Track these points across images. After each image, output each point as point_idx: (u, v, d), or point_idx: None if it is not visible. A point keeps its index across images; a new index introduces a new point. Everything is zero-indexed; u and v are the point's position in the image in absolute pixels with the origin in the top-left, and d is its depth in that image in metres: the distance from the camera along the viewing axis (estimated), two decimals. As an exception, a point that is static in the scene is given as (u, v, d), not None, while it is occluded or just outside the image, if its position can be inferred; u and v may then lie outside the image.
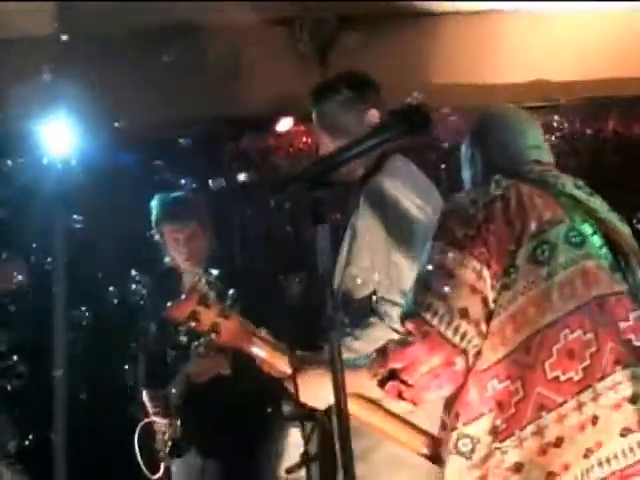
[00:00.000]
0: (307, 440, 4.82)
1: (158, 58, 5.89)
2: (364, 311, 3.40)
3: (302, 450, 3.46)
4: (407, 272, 3.27)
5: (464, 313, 2.58)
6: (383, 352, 2.73)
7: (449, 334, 2.57)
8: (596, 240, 2.75)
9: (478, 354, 2.61)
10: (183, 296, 3.04)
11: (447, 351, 2.58)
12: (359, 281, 3.47)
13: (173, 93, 6.09)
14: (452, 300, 2.59)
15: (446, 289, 2.60)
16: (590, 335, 2.59)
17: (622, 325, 2.65)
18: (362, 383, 2.81)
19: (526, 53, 5.98)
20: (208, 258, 4.90)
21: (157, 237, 4.99)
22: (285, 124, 6.73)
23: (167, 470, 4.86)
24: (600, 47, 5.99)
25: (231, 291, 4.10)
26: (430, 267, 2.67)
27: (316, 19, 6.01)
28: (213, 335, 2.99)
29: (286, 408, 5.17)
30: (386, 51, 6.05)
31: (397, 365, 2.66)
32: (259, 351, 3.05)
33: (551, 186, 2.76)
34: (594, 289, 2.65)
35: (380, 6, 5.97)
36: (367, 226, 3.44)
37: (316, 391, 2.96)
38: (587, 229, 2.74)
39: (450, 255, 2.63)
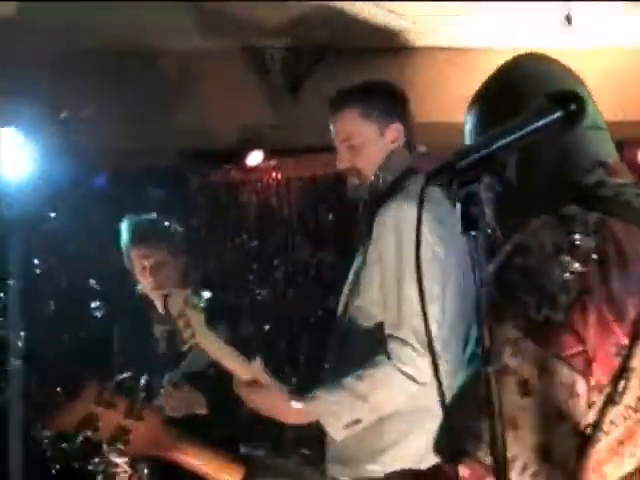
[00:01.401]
0: None
1: (122, 84, 5.64)
2: (369, 348, 3.11)
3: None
4: (419, 308, 2.98)
5: (544, 452, 1.64)
6: None
7: None
8: None
9: None
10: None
11: None
12: (366, 314, 3.17)
13: (137, 122, 5.85)
14: (524, 433, 1.63)
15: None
16: None
17: None
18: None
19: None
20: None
21: (125, 261, 4.58)
22: (255, 158, 6.53)
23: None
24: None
25: (206, 294, 3.70)
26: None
27: (289, 50, 5.77)
28: (118, 444, 2.54)
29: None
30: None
31: None
32: (187, 459, 2.65)
33: None
34: None
35: (358, 38, 5.75)
36: (379, 254, 3.12)
37: None
38: None
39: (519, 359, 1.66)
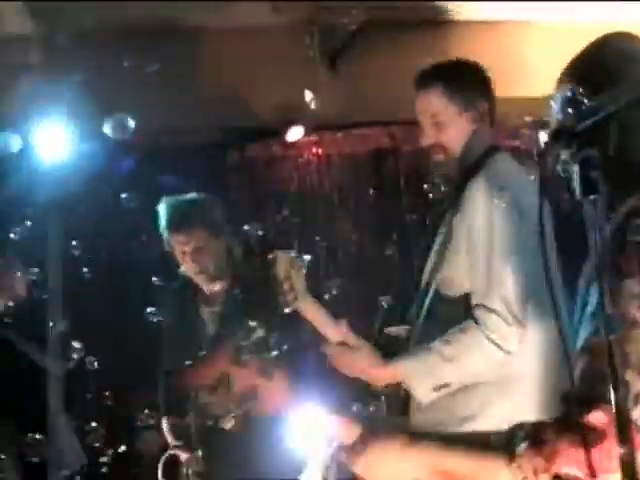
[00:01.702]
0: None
1: (160, 62, 5.60)
2: (455, 318, 3.22)
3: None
4: (508, 279, 3.08)
5: None
6: (541, 442, 1.83)
7: None
8: None
9: None
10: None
11: None
12: (452, 285, 3.28)
13: (176, 99, 5.82)
14: None
15: None
16: None
17: None
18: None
19: (544, 64, 5.69)
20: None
21: (165, 245, 4.53)
22: (295, 134, 6.46)
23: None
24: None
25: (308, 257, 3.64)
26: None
27: (327, 25, 5.69)
28: (249, 402, 2.53)
29: None
30: (399, 59, 5.74)
31: (567, 469, 1.75)
32: None
33: None
34: None
35: (398, 11, 5.66)
36: (468, 227, 3.22)
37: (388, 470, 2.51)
38: None
39: None
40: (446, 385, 3.14)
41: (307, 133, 6.42)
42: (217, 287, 4.48)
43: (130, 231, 5.86)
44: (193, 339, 4.33)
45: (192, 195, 4.59)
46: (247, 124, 6.27)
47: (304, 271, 3.55)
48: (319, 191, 6.71)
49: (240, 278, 4.46)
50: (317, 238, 6.73)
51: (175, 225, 4.42)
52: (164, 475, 4.46)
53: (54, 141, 5.27)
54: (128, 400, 5.76)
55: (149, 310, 4.65)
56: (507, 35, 5.79)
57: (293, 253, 4.05)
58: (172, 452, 4.49)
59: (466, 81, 3.43)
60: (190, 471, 4.37)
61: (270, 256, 4.17)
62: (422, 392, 3.14)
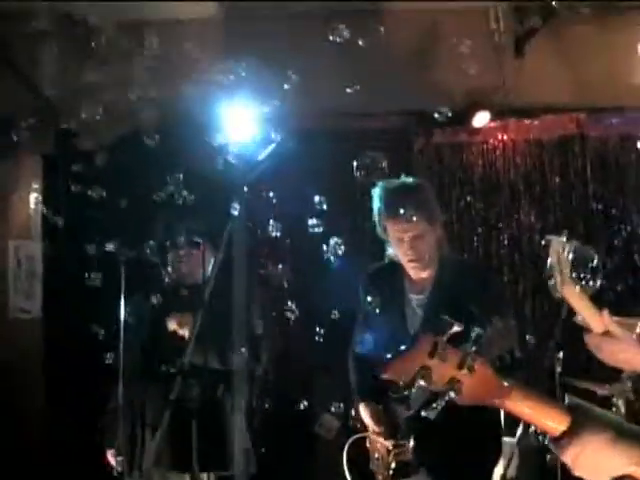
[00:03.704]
0: (507, 465, 4.58)
1: (346, 44, 5.69)
2: None
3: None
4: None
5: None
6: None
7: None
8: None
9: None
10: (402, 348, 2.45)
11: None
12: None
13: (362, 83, 5.88)
14: None
15: None
16: None
17: None
18: None
19: None
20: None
21: (378, 229, 4.31)
22: (481, 119, 6.46)
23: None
24: None
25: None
26: None
27: (514, 9, 5.66)
28: (452, 393, 2.46)
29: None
30: (586, 45, 5.65)
31: None
32: (515, 406, 2.53)
33: None
34: None
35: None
36: None
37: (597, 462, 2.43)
38: None
39: None
40: None
41: (493, 119, 6.41)
42: (425, 274, 4.33)
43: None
44: (398, 325, 4.28)
45: (408, 180, 4.39)
46: (434, 109, 6.29)
47: (572, 257, 3.54)
48: (504, 178, 6.69)
49: (447, 266, 4.32)
50: (500, 225, 6.72)
51: (396, 212, 4.20)
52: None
53: (238, 125, 5.38)
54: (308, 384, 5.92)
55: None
56: None
57: (564, 238, 4.04)
58: (359, 436, 4.44)
59: None
60: (393, 460, 4.29)
61: (543, 240, 4.10)
62: None
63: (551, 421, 2.43)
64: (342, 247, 4.27)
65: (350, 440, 4.48)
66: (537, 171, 6.66)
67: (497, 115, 6.36)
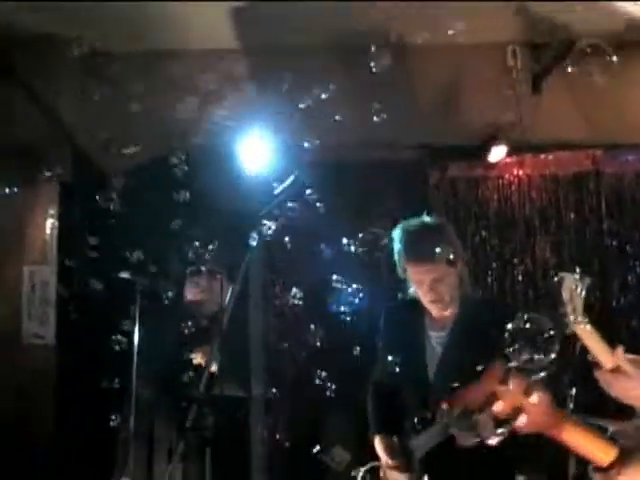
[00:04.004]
0: None
1: (363, 76, 5.71)
2: None
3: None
4: None
5: None
6: None
7: None
8: None
9: None
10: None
11: None
12: None
13: (377, 115, 5.90)
14: None
15: None
16: None
17: None
18: None
19: None
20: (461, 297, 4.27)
21: (399, 269, 4.29)
22: (498, 154, 6.46)
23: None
24: None
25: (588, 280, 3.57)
26: None
27: (532, 46, 5.68)
28: (512, 422, 2.52)
29: None
30: (609, 83, 5.65)
31: None
32: (569, 437, 2.64)
33: None
34: None
35: (603, 32, 5.57)
36: None
37: None
38: None
39: None
40: None
41: (509, 154, 6.42)
42: (447, 313, 4.30)
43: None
44: (418, 361, 4.27)
45: (428, 220, 4.32)
46: (449, 143, 6.32)
47: (584, 294, 3.53)
48: (519, 213, 6.69)
49: (468, 305, 4.29)
50: (515, 261, 6.71)
51: (417, 256, 4.18)
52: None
53: (257, 152, 5.40)
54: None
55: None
56: None
57: (577, 275, 4.02)
58: (376, 464, 4.41)
59: None
60: None
61: (556, 278, 4.06)
62: None
63: (601, 452, 2.45)
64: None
65: (365, 467, 4.47)
66: (552, 207, 6.66)
67: (513, 150, 6.37)
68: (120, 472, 4.72)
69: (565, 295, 3.75)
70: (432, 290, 4.20)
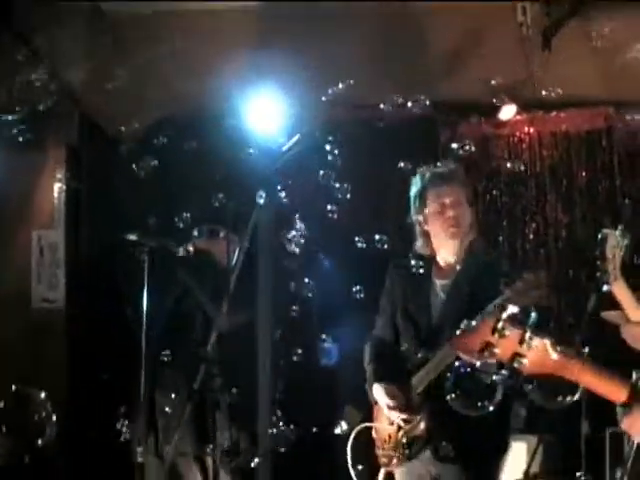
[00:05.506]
0: (532, 456, 4.69)
1: (372, 36, 5.66)
2: None
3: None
4: None
5: None
6: None
7: None
8: None
9: None
10: (473, 322, 2.60)
11: None
12: None
13: (388, 73, 5.85)
14: None
15: None
16: None
17: None
18: None
19: None
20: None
21: (413, 216, 4.52)
22: (508, 112, 6.42)
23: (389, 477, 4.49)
24: None
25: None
26: None
27: (541, 1, 5.58)
28: (515, 365, 2.56)
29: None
30: (615, 37, 5.58)
31: None
32: (578, 376, 2.63)
33: None
34: None
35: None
36: None
37: None
38: None
39: None
40: None
41: (519, 112, 6.38)
42: (452, 260, 4.45)
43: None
44: (422, 309, 4.42)
45: (449, 164, 4.62)
46: (459, 101, 6.27)
47: (622, 252, 3.57)
48: (530, 171, 6.66)
49: (474, 253, 4.45)
50: (526, 219, 6.69)
51: (437, 179, 4.45)
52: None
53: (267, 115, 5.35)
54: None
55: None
56: None
57: (619, 232, 4.05)
58: (367, 425, 4.55)
59: None
60: (404, 436, 4.38)
61: (600, 234, 4.10)
62: None
63: (613, 391, 2.49)
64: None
65: (356, 429, 4.59)
66: (564, 164, 6.63)
67: (524, 108, 6.32)
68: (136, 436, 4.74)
69: (609, 252, 3.81)
70: (452, 210, 4.37)
